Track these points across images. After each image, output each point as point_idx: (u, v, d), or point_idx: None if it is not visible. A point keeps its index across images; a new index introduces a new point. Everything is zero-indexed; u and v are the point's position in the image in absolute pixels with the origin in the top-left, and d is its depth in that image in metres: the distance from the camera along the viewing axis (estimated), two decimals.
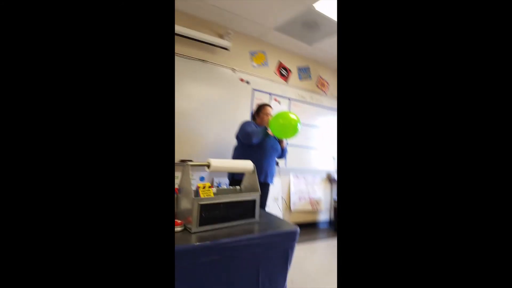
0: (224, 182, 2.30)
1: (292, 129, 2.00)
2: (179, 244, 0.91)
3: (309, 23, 2.64)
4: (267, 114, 2.22)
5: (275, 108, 3.17)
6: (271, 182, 2.23)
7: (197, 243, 0.95)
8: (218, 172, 2.44)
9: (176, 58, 2.56)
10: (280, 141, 2.25)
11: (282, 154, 2.32)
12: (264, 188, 2.14)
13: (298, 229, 1.26)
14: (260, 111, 2.27)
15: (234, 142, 2.24)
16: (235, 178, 2.06)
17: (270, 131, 2.08)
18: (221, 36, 2.84)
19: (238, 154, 2.15)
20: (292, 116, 2.02)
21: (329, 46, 3.16)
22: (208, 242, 0.97)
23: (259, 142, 2.07)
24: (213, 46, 2.75)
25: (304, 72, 3.56)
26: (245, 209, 1.26)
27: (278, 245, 1.19)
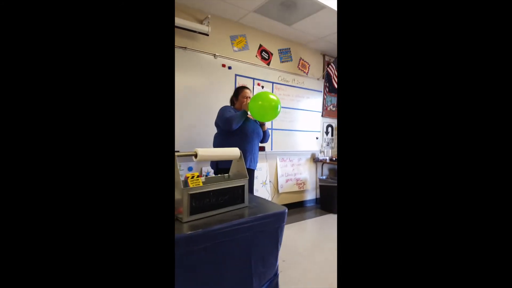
0: (212, 171, 2.30)
1: (272, 110, 1.90)
2: None
3: (287, 2, 2.61)
4: (246, 97, 2.15)
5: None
6: (255, 167, 2.18)
7: (189, 232, 0.97)
8: (206, 161, 2.46)
9: None
10: (261, 124, 2.20)
11: (264, 138, 2.27)
12: (249, 174, 2.10)
13: (286, 209, 1.31)
14: (238, 94, 2.19)
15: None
16: (220, 167, 2.01)
17: (250, 115, 2.00)
18: (200, 22, 2.77)
19: (219, 142, 2.08)
20: (272, 96, 1.91)
21: (308, 27, 3.15)
22: (200, 230, 1.00)
23: (239, 127, 2.01)
24: (192, 32, 2.68)
25: (285, 54, 3.55)
26: (235, 195, 1.29)
27: (267, 227, 1.23)
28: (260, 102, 1.90)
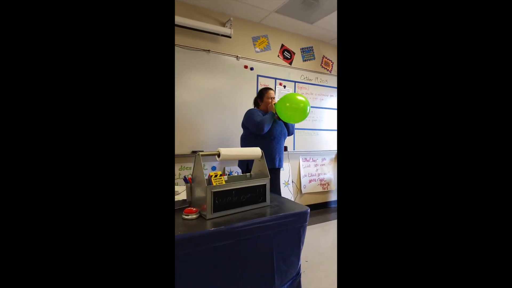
0: (235, 170, 2.34)
1: (301, 112, 1.93)
2: (195, 231, 0.97)
3: (309, 1, 2.59)
4: (271, 98, 2.19)
5: (281, 92, 3.18)
6: (282, 166, 2.24)
7: (212, 229, 1.00)
8: (229, 160, 2.50)
9: (180, 50, 2.57)
10: (286, 122, 2.23)
11: (289, 132, 2.29)
12: (278, 173, 2.18)
13: (308, 209, 1.31)
14: (263, 95, 2.24)
15: (242, 130, 2.26)
16: (250, 168, 1.99)
17: (277, 116, 2.05)
18: (222, 24, 2.82)
19: (249, 144, 2.11)
20: (300, 98, 1.95)
21: (330, 24, 3.09)
22: (222, 227, 1.02)
23: (268, 129, 2.05)
24: (215, 35, 2.74)
25: (307, 53, 3.51)
26: (256, 194, 1.31)
27: (290, 226, 1.24)
28: (288, 104, 1.93)
